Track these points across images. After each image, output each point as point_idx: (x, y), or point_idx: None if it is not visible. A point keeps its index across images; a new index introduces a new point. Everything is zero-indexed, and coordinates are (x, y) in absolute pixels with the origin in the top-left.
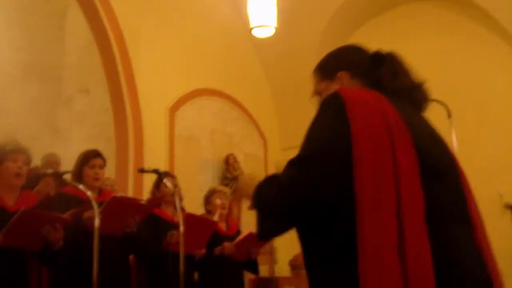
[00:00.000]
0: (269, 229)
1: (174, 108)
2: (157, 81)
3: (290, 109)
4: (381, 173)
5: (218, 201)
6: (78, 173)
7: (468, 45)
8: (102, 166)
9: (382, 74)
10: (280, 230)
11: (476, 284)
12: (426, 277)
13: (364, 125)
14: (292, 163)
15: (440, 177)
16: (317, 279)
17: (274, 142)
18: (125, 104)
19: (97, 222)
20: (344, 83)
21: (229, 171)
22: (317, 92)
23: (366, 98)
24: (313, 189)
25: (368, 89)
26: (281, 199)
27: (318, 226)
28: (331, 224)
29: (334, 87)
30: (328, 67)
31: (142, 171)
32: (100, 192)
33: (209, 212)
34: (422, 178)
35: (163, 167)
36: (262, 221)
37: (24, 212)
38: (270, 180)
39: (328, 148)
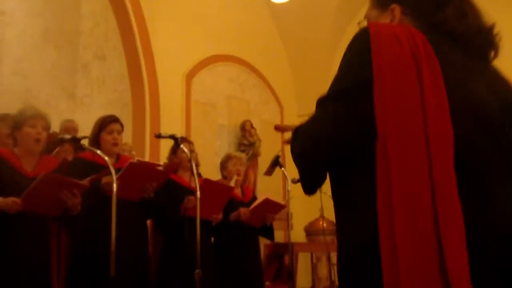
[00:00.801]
0: (307, 182)
1: (191, 74)
2: (173, 47)
3: (307, 75)
4: (405, 112)
5: (233, 168)
6: (96, 139)
7: None
8: (120, 132)
9: (446, 15)
10: (317, 178)
11: None
12: (456, 222)
13: (388, 60)
14: (319, 103)
15: (485, 125)
16: (342, 222)
17: (290, 108)
18: (142, 70)
19: (115, 187)
20: (395, 16)
21: (245, 137)
22: (366, 17)
23: (395, 33)
24: (336, 127)
25: (404, 25)
26: (310, 143)
27: (343, 170)
28: (356, 166)
29: (384, 18)
30: None
31: (159, 136)
32: (118, 157)
33: (225, 177)
34: (456, 122)
35: (179, 133)
36: (300, 175)
37: (43, 177)
38: (297, 130)
39: (351, 86)
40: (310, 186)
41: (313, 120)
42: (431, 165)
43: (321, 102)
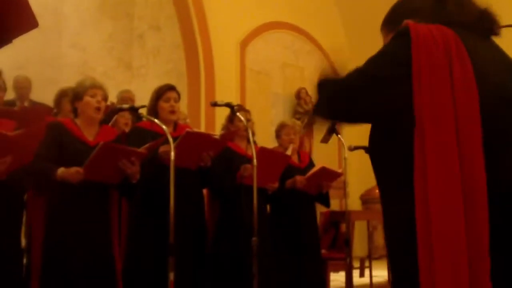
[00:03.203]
0: (321, 115)
1: (245, 42)
2: (227, 15)
3: (362, 41)
4: (438, 103)
5: (286, 137)
6: (154, 108)
7: None
8: (177, 100)
9: (448, 10)
10: (331, 119)
11: None
12: (479, 193)
13: (425, 55)
14: (355, 73)
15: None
16: (387, 201)
17: None
18: (196, 39)
19: (172, 155)
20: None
21: (300, 105)
22: None
23: (431, 30)
24: (368, 99)
25: (437, 26)
26: (339, 101)
27: (382, 147)
28: (392, 145)
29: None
30: (393, 19)
31: (215, 105)
32: (175, 126)
33: (280, 146)
34: (484, 106)
35: (234, 101)
36: (317, 106)
37: (103, 146)
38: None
39: (390, 72)
40: (319, 115)
41: (345, 85)
42: (460, 148)
43: (357, 74)
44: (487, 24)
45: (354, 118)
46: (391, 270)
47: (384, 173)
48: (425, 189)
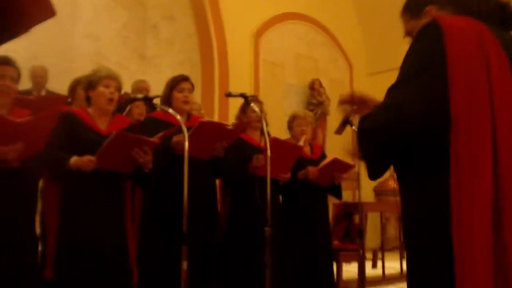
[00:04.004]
0: (376, 160)
1: (259, 33)
2: (241, 5)
3: (377, 33)
4: (476, 95)
5: (298, 128)
6: (168, 98)
7: None
8: (191, 90)
9: (475, 1)
10: (385, 156)
11: None
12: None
13: (460, 50)
14: (390, 90)
15: None
16: (408, 192)
17: (360, 67)
18: (210, 30)
19: (186, 145)
20: (433, 16)
21: (314, 96)
22: (409, 33)
23: (462, 24)
24: (413, 108)
25: (467, 18)
26: (386, 122)
27: (414, 141)
28: (427, 139)
29: (424, 23)
30: (414, 4)
31: (229, 95)
32: (189, 116)
33: (293, 137)
34: None
35: (248, 92)
36: (368, 153)
37: (115, 135)
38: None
39: (424, 70)
40: (382, 171)
41: (387, 103)
42: (496, 149)
43: (394, 88)
44: (507, 16)
45: (411, 138)
46: (408, 260)
47: (409, 170)
48: (458, 190)
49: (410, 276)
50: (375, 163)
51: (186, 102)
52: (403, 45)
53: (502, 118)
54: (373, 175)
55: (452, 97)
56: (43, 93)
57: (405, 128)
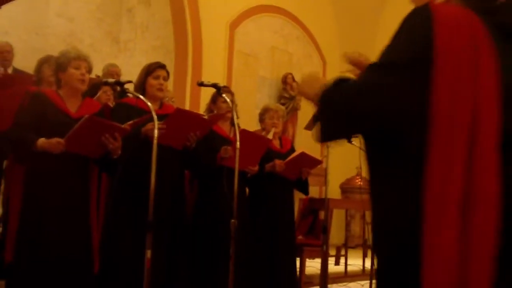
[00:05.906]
0: (333, 132)
1: (235, 24)
2: None
3: (352, 31)
4: (459, 91)
5: (269, 121)
6: (142, 84)
7: None
8: (166, 78)
9: None
10: (345, 133)
11: None
12: (489, 204)
13: (450, 40)
14: (371, 69)
15: None
16: (379, 194)
17: (334, 64)
18: (186, 17)
19: (156, 133)
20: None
21: (286, 90)
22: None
23: (456, 14)
24: (392, 96)
25: (461, 7)
26: (361, 103)
27: (388, 139)
28: (402, 137)
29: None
30: None
31: (201, 84)
32: (161, 104)
33: (263, 129)
34: (505, 103)
35: (220, 82)
36: (327, 122)
37: (86, 119)
38: (343, 83)
39: (410, 57)
40: (334, 137)
41: (363, 85)
42: (472, 147)
43: (374, 69)
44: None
45: (381, 120)
46: (378, 259)
47: (382, 168)
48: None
49: (380, 278)
50: (329, 136)
51: (161, 90)
52: (378, 45)
53: (482, 126)
54: (322, 140)
55: (433, 100)
56: (9, 70)
57: (371, 122)
